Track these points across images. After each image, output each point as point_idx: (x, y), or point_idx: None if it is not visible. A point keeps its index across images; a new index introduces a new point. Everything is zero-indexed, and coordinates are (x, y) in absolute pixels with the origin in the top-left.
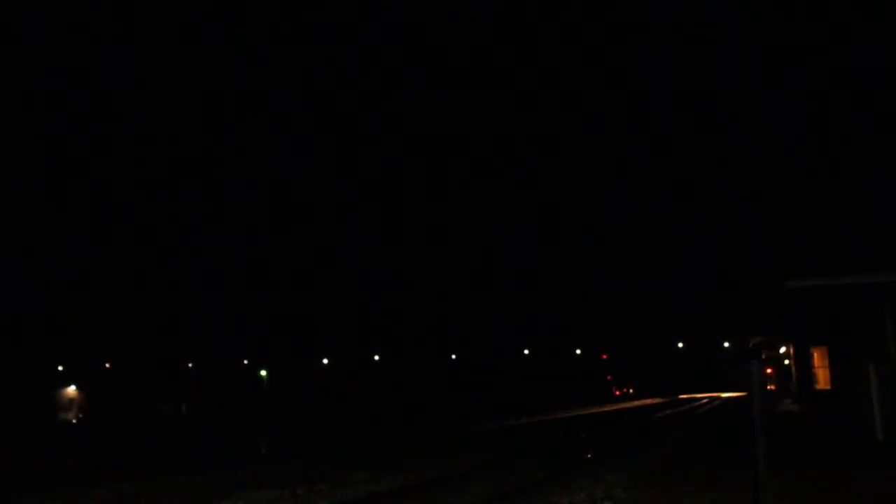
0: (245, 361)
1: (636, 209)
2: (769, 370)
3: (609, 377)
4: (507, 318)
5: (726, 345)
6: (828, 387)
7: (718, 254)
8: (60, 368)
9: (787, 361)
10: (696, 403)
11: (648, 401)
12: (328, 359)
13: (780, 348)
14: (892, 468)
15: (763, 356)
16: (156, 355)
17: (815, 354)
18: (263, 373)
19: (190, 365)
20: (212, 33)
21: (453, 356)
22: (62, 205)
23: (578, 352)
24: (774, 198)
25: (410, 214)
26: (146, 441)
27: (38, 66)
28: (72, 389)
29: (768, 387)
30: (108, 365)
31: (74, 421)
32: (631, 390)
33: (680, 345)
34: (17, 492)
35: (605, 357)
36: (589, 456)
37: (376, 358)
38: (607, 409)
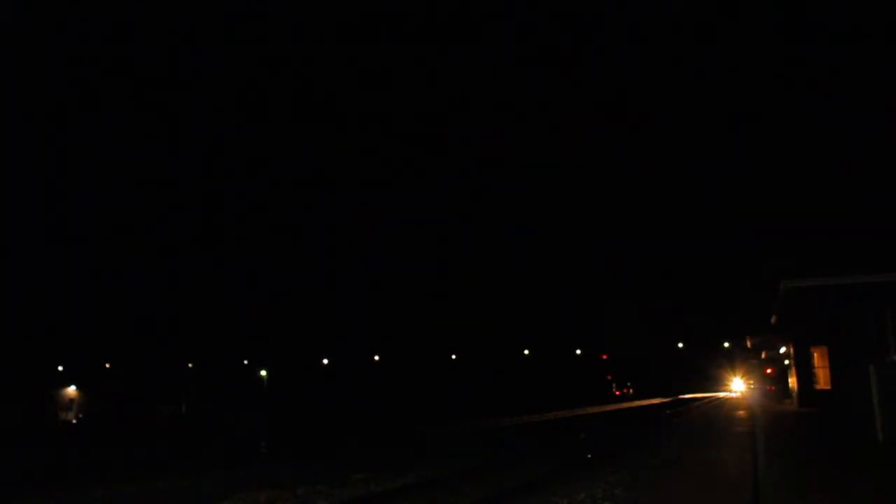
0: (245, 361)
1: (637, 209)
2: (769, 370)
3: (609, 377)
4: (508, 319)
5: (726, 345)
6: (828, 387)
7: (719, 254)
8: (60, 368)
9: (787, 361)
10: (696, 403)
11: (648, 401)
12: (328, 359)
13: (780, 348)
14: (892, 468)
15: (763, 356)
16: (156, 355)
17: (815, 354)
18: (263, 373)
19: (190, 365)
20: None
21: (453, 356)
22: (62, 206)
23: (578, 352)
24: (775, 198)
25: (410, 214)
26: (146, 441)
27: (35, 65)
28: (72, 389)
29: (768, 387)
30: (108, 365)
31: (74, 421)
32: (631, 390)
33: (680, 345)
34: (16, 491)
35: (604, 357)
36: (589, 456)
37: (376, 358)
38: (607, 409)
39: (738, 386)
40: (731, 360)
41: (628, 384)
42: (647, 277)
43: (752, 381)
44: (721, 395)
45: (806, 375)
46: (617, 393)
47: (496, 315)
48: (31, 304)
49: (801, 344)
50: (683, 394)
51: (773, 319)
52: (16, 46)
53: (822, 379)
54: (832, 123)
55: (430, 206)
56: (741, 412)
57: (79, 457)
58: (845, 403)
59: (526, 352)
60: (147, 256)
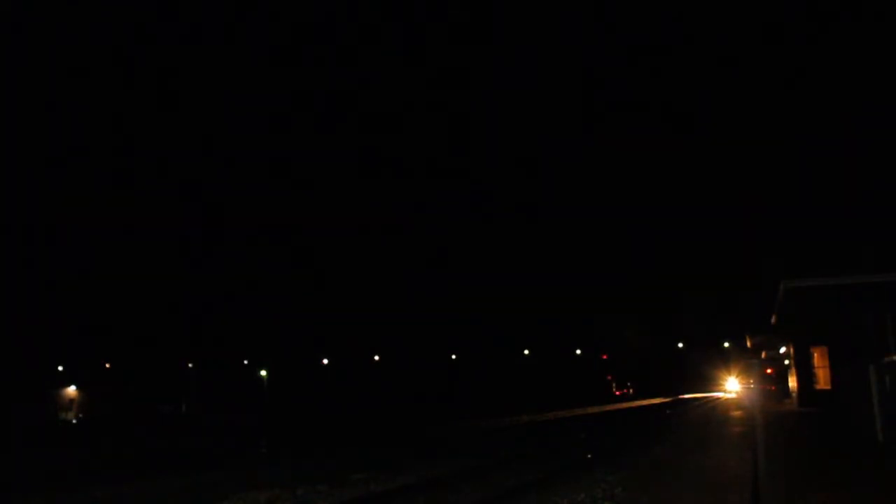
0: (245, 361)
1: (637, 210)
2: (769, 370)
3: (609, 377)
4: (508, 319)
5: (726, 345)
6: (828, 387)
7: (719, 254)
8: (60, 368)
9: (787, 361)
10: (696, 403)
11: (648, 401)
12: (328, 359)
13: (780, 348)
14: (892, 469)
15: (763, 356)
16: (156, 355)
17: (815, 354)
18: (263, 373)
19: (190, 365)
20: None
21: (453, 356)
22: (62, 205)
23: (578, 352)
24: (775, 198)
25: (409, 215)
26: (146, 441)
27: (34, 64)
28: (72, 389)
29: (769, 387)
30: (108, 365)
31: (74, 421)
32: (631, 390)
33: (680, 345)
34: (16, 492)
35: (604, 357)
36: (589, 456)
37: (376, 358)
38: (607, 409)
39: (732, 386)
40: (727, 360)
41: (628, 384)
42: (648, 277)
43: (750, 381)
44: (721, 395)
45: (806, 375)
46: (617, 393)
47: (496, 315)
48: (31, 303)
49: (801, 344)
50: (683, 394)
51: (773, 319)
52: (15, 45)
53: (822, 379)
54: (832, 122)
55: (430, 206)
56: (741, 412)
57: (79, 457)
58: (845, 403)
59: (526, 352)
60: (147, 256)
